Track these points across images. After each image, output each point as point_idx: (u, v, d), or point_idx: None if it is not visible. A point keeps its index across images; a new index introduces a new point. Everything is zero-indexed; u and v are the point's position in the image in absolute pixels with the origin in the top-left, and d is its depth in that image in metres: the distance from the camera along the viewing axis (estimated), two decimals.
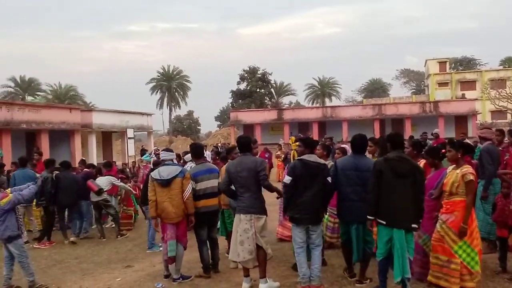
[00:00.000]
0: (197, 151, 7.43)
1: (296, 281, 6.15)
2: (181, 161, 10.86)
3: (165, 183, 6.73)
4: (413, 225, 5.42)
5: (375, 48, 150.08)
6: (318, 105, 65.97)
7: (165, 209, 6.74)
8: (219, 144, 29.83)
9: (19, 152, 22.77)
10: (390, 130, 39.48)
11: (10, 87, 57.13)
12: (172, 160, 7.23)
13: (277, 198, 7.06)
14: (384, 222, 5.47)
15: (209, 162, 8.34)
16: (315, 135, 39.24)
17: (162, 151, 7.81)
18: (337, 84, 72.41)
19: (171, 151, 7.52)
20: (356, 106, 50.94)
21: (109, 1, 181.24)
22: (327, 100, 70.58)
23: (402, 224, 5.38)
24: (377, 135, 34.50)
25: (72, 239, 10.25)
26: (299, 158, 6.22)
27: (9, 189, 7.59)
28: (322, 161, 6.20)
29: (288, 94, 70.29)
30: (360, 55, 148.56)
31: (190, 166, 9.61)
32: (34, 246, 9.97)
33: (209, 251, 7.12)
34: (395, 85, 76.83)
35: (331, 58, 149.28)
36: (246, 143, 6.48)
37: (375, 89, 77.03)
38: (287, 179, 6.04)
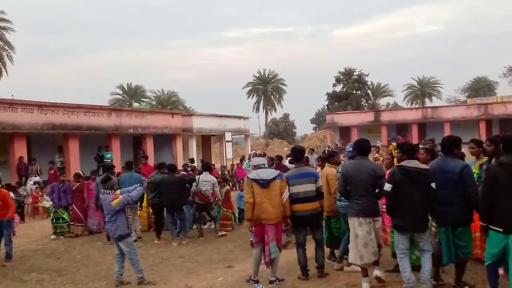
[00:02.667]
0: (296, 154, 7.45)
1: (403, 287, 5.99)
2: (274, 165, 10.91)
3: (265, 184, 6.80)
4: None
5: (478, 45, 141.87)
6: (417, 105, 63.48)
7: (265, 210, 6.76)
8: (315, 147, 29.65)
9: (127, 155, 24.26)
10: (497, 131, 37.01)
11: (118, 94, 60.92)
12: (264, 165, 7.27)
13: None
14: (501, 230, 5.13)
15: (309, 165, 8.19)
16: (414, 137, 37.87)
17: (254, 157, 7.96)
18: (438, 83, 69.12)
19: (263, 156, 7.66)
20: (460, 106, 48.21)
21: (207, 10, 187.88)
22: (427, 100, 67.62)
23: None
24: (483, 136, 32.49)
25: (174, 243, 10.55)
26: (398, 164, 6.11)
27: (119, 190, 8.11)
28: (423, 166, 5.97)
29: (385, 95, 68.28)
30: (462, 53, 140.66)
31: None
32: (155, 242, 10.63)
33: (317, 252, 7.08)
34: (502, 83, 71.53)
35: (431, 57, 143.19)
36: (366, 147, 6.57)
37: (480, 87, 72.41)
38: (388, 186, 5.92)
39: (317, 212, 7.03)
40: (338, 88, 59.67)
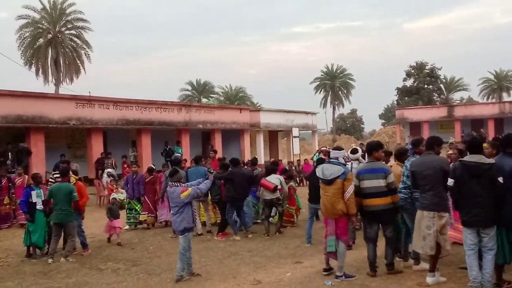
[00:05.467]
0: (369, 149, 7.39)
1: (468, 285, 5.87)
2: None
3: (327, 183, 6.95)
4: None
5: None
6: (494, 100, 60.46)
7: (323, 205, 7.07)
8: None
9: (196, 150, 24.85)
10: None
11: (188, 90, 62.37)
12: (338, 158, 7.22)
13: None
14: None
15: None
16: (490, 133, 36.13)
17: (332, 149, 7.93)
18: None
19: (341, 149, 7.56)
20: None
21: (276, 6, 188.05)
22: (504, 94, 64.29)
23: None
24: None
25: (237, 238, 10.58)
26: (460, 159, 6.17)
27: (185, 183, 8.28)
28: (487, 160, 5.83)
29: (459, 90, 65.50)
30: None
31: (351, 164, 9.51)
32: (215, 238, 10.74)
33: (386, 250, 7.04)
34: None
35: (509, 49, 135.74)
36: (433, 142, 6.62)
37: None
38: (450, 181, 5.96)
39: (388, 208, 6.91)
40: (409, 82, 58.10)
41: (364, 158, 9.20)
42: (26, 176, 14.03)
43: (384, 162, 7.74)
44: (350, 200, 6.79)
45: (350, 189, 6.79)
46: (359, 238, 8.95)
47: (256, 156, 23.76)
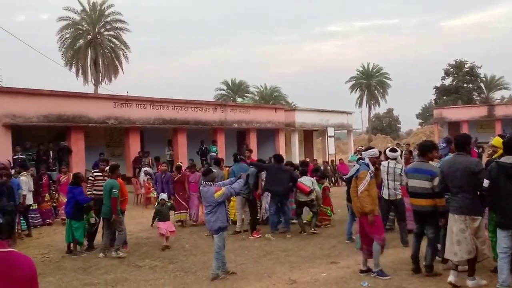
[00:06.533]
0: (420, 149, 7.32)
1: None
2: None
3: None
4: None
5: None
6: None
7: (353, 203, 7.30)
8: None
9: (231, 149, 24.97)
10: None
11: (223, 90, 62.73)
12: (364, 158, 7.40)
13: None
14: None
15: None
16: None
17: (363, 150, 8.00)
18: None
19: (371, 148, 7.69)
20: None
21: (309, 5, 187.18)
22: None
23: None
24: None
25: (272, 237, 10.55)
26: (496, 160, 6.03)
27: (219, 182, 8.33)
28: None
29: (500, 89, 63.53)
30: None
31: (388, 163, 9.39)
32: (250, 237, 10.78)
33: (426, 251, 6.94)
34: None
35: None
36: (462, 142, 6.39)
37: None
38: (485, 182, 5.83)
39: (430, 210, 6.80)
40: (447, 81, 56.86)
41: (402, 158, 9.14)
42: (71, 174, 14.42)
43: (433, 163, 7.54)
44: (361, 197, 6.87)
45: (361, 187, 6.89)
46: (395, 241, 8.86)
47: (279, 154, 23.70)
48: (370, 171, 7.01)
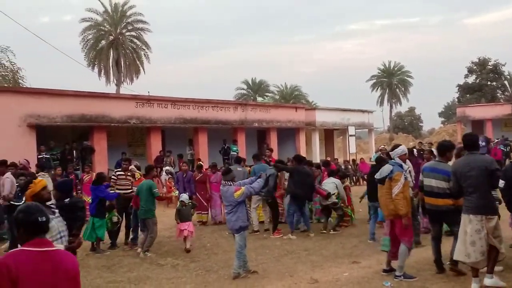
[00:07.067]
0: (439, 149, 7.28)
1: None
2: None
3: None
4: None
5: None
6: None
7: (380, 205, 7.26)
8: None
9: (251, 148, 24.99)
10: None
11: (243, 89, 62.81)
12: (394, 158, 7.19)
13: None
14: None
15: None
16: None
17: (391, 149, 7.92)
18: None
19: (397, 147, 7.55)
20: None
21: (330, 3, 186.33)
22: None
23: None
24: None
25: (292, 236, 10.53)
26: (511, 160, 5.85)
27: (240, 181, 8.36)
28: None
29: None
30: None
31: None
32: (271, 236, 10.77)
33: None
34: None
35: None
36: (473, 141, 6.32)
37: None
38: (500, 182, 5.84)
39: (448, 209, 6.74)
40: (471, 79, 55.92)
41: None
42: (94, 174, 14.60)
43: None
44: (397, 199, 6.65)
45: (396, 189, 6.67)
46: (425, 240, 8.75)
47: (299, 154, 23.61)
48: (404, 172, 6.85)
